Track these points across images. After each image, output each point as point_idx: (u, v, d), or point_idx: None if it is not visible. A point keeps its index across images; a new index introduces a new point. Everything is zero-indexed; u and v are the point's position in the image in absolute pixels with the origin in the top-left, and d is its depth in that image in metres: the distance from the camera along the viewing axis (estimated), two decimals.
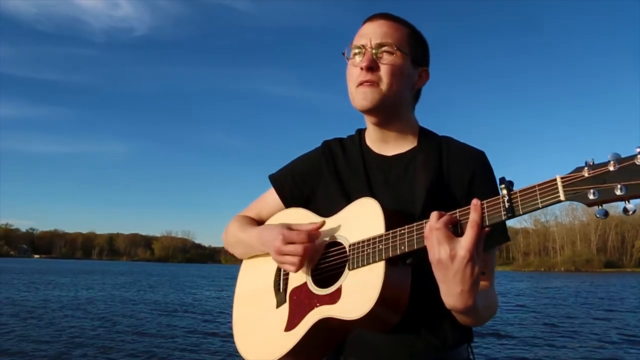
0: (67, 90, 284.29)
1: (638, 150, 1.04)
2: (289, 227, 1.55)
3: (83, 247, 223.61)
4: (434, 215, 1.26)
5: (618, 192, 1.04)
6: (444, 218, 1.25)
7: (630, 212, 1.05)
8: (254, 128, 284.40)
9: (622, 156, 1.07)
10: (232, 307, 1.77)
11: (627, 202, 1.05)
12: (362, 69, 1.50)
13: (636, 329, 14.22)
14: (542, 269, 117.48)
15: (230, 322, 1.76)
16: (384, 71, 1.50)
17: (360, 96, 1.51)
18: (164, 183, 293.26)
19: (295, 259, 1.47)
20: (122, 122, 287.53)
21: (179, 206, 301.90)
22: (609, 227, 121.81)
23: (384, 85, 1.50)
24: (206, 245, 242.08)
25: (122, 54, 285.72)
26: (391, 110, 1.55)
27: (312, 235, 1.50)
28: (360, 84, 1.51)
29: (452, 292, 1.25)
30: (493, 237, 1.45)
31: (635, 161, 1.04)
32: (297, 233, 1.49)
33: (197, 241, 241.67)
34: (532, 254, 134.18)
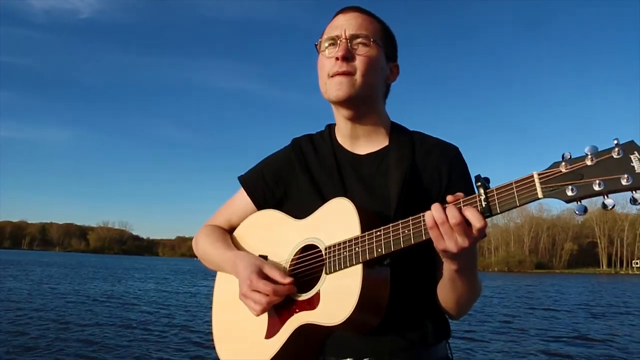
0: (6, 72, 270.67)
1: (615, 142, 1.03)
2: (260, 271, 1.49)
3: (12, 236, 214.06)
4: (439, 207, 1.21)
5: (596, 188, 1.03)
6: (457, 212, 1.19)
7: (610, 208, 1.04)
8: (204, 122, 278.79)
9: (600, 149, 1.05)
10: (210, 313, 1.74)
11: (605, 197, 1.03)
12: (337, 59, 1.47)
13: (573, 327, 14.79)
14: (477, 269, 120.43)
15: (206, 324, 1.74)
16: (359, 62, 1.48)
17: (334, 86, 1.48)
18: (104, 173, 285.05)
19: (258, 307, 1.45)
20: (66, 109, 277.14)
21: (118, 197, 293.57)
22: (541, 229, 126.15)
23: (359, 77, 1.48)
24: (144, 237, 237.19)
25: (66, 37, 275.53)
26: (365, 104, 1.53)
27: (279, 290, 1.44)
28: (335, 74, 1.48)
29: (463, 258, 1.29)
30: None
31: (613, 154, 1.03)
32: (264, 284, 1.45)
33: (135, 233, 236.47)
34: None
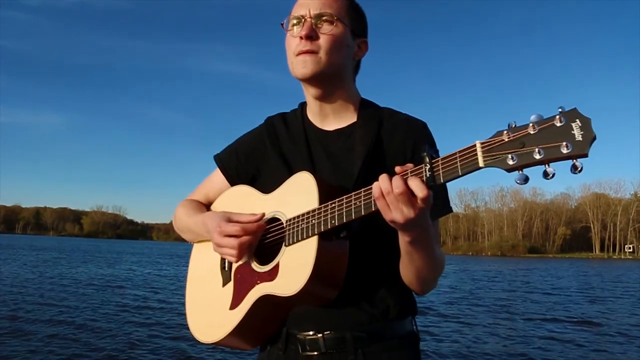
0: None
1: (559, 110, 1.01)
2: (228, 219, 1.54)
3: (6, 220, 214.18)
4: (385, 178, 1.21)
5: (537, 156, 1.00)
6: (402, 181, 1.18)
7: (550, 176, 1.01)
8: (197, 105, 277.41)
9: (545, 117, 1.03)
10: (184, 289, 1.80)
11: (547, 165, 1.01)
12: (301, 38, 1.49)
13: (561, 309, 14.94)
14: (470, 253, 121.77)
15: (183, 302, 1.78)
16: (323, 40, 1.49)
17: (299, 65, 1.50)
18: (99, 157, 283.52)
19: (233, 251, 1.48)
20: (60, 93, 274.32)
21: (112, 181, 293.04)
22: (534, 213, 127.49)
23: (323, 54, 1.49)
24: (138, 222, 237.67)
25: (58, 20, 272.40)
26: (332, 81, 1.55)
27: (248, 228, 1.48)
28: (300, 53, 1.49)
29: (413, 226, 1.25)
30: (436, 208, 1.44)
31: (555, 122, 1.01)
32: (233, 225, 1.49)
33: (129, 217, 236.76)
34: (461, 238, 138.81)
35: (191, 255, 1.81)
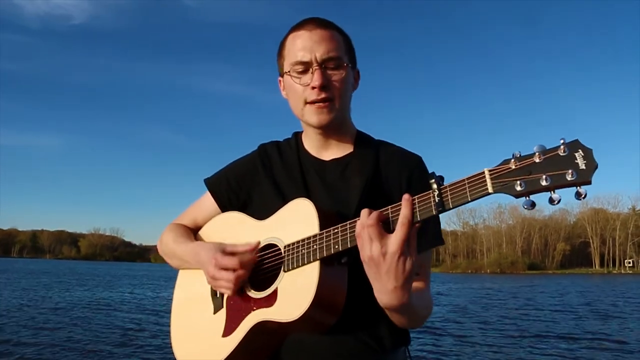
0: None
1: (562, 141, 1.08)
2: (222, 250, 1.51)
3: (2, 244, 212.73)
4: (364, 212, 1.26)
5: (543, 183, 1.06)
6: (375, 215, 1.25)
7: (556, 202, 1.07)
8: (197, 126, 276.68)
9: (547, 147, 1.09)
10: (170, 315, 1.75)
11: (552, 192, 1.07)
12: (313, 87, 1.49)
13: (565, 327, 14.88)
14: (469, 271, 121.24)
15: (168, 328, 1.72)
16: (335, 87, 1.51)
17: (315, 114, 1.52)
18: (96, 179, 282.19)
19: (230, 284, 1.46)
20: (59, 115, 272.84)
21: (110, 203, 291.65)
22: (533, 230, 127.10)
23: (337, 101, 1.52)
24: (136, 244, 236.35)
25: (59, 43, 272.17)
26: (340, 121, 1.58)
27: (245, 261, 1.47)
28: (315, 102, 1.50)
29: (385, 289, 1.25)
30: (427, 239, 1.48)
31: (559, 152, 1.07)
32: (230, 259, 1.47)
33: (126, 239, 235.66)
34: (460, 255, 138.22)
35: (177, 281, 1.77)
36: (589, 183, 1.04)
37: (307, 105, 1.52)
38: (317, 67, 1.49)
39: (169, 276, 52.75)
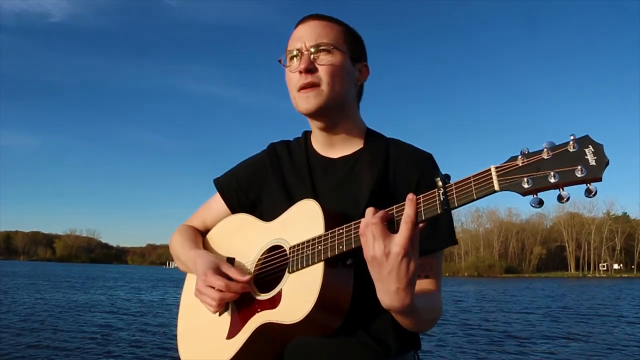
0: None
1: (571, 137, 1.05)
2: (216, 268, 1.49)
3: None
4: (369, 211, 1.24)
5: (552, 180, 1.03)
6: (380, 214, 1.22)
7: (565, 200, 1.04)
8: (175, 127, 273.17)
9: (556, 144, 1.06)
10: (176, 317, 1.76)
11: (561, 189, 1.04)
12: (300, 72, 1.48)
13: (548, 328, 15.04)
14: (447, 274, 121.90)
15: (175, 331, 1.73)
16: (323, 72, 1.49)
17: (303, 100, 1.50)
18: (73, 180, 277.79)
19: (213, 303, 1.46)
20: (35, 115, 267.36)
21: (86, 204, 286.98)
22: (510, 234, 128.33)
23: (325, 86, 1.49)
24: (113, 245, 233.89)
25: (37, 41, 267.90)
26: (337, 111, 1.54)
27: (232, 288, 1.45)
28: (302, 88, 1.49)
29: (387, 290, 1.22)
30: (441, 239, 1.46)
31: (569, 148, 1.04)
32: (218, 279, 1.45)
33: (103, 240, 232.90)
34: None
35: (185, 282, 1.78)
36: (600, 180, 1.01)
37: (297, 94, 1.51)
38: (304, 52, 1.49)
39: (146, 278, 52.29)
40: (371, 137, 1.62)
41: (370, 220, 1.21)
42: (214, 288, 1.45)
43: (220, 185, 1.74)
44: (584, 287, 52.63)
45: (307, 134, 1.70)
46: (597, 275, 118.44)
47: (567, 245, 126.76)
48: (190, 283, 1.75)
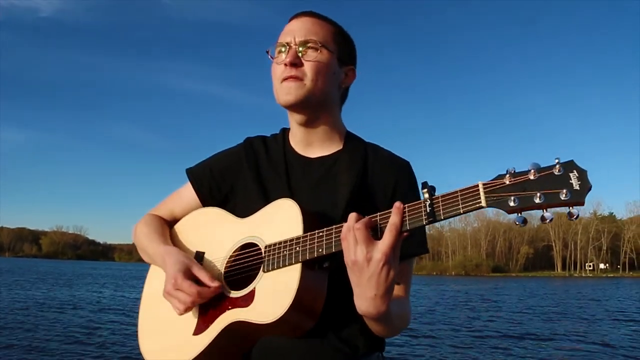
0: None
1: (557, 160, 1.09)
2: (187, 270, 1.45)
3: None
4: (352, 216, 1.24)
5: (537, 200, 1.07)
6: (364, 220, 1.23)
7: (548, 221, 1.08)
8: (165, 125, 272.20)
9: (542, 166, 1.10)
10: (138, 309, 1.68)
11: (545, 210, 1.08)
12: (286, 65, 1.48)
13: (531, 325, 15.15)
14: (435, 273, 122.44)
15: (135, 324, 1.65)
16: (308, 67, 1.48)
17: (284, 91, 1.49)
18: (61, 176, 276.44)
19: (181, 306, 1.42)
20: (23, 110, 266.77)
21: (73, 200, 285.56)
22: (498, 233, 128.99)
23: (308, 81, 1.48)
24: (100, 242, 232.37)
25: (25, 36, 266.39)
26: (317, 108, 1.53)
27: (202, 293, 1.41)
28: (285, 79, 1.48)
29: (365, 296, 1.23)
30: (412, 247, 1.46)
31: (554, 171, 1.08)
32: (189, 285, 1.41)
33: (90, 237, 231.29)
34: (426, 257, 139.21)
35: (148, 273, 1.71)
36: (582, 204, 1.05)
37: (279, 85, 1.51)
38: (292, 46, 1.50)
39: (132, 275, 51.98)
40: (350, 139, 1.62)
41: (353, 225, 1.22)
42: (183, 292, 1.42)
43: (193, 175, 1.68)
44: (570, 286, 53.08)
45: (284, 131, 1.68)
46: (583, 274, 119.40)
47: (554, 244, 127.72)
48: (155, 274, 1.67)
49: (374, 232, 1.24)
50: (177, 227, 1.71)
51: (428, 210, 1.18)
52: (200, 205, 1.68)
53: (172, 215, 1.73)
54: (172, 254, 1.52)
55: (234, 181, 1.64)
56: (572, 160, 1.08)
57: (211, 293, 1.43)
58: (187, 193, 1.69)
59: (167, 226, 1.71)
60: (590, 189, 1.05)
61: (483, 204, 1.12)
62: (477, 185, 1.14)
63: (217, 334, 1.40)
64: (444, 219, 1.18)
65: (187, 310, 1.43)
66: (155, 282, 1.65)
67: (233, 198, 1.64)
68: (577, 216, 1.05)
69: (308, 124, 1.56)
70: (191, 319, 1.48)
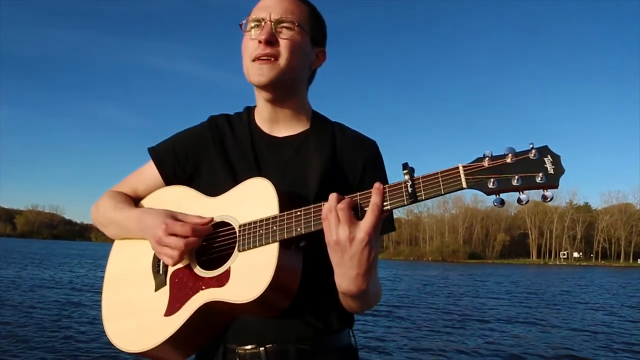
0: None
1: (531, 145, 1.14)
2: (173, 216, 1.45)
3: None
4: (333, 196, 1.25)
5: (515, 183, 1.12)
6: (347, 200, 1.25)
7: (524, 202, 1.13)
8: (142, 103, 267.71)
9: (517, 150, 1.15)
10: (101, 291, 1.61)
11: (521, 192, 1.13)
12: (260, 42, 1.45)
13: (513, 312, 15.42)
14: (412, 258, 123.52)
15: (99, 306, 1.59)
16: (283, 46, 1.46)
17: (256, 71, 1.46)
18: (35, 154, 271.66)
19: (175, 253, 1.39)
20: None
21: (50, 179, 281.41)
22: (475, 220, 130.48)
23: (282, 60, 1.46)
24: (77, 222, 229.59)
25: (2, 11, 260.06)
26: (287, 88, 1.52)
27: (197, 230, 1.41)
28: (258, 58, 1.46)
29: (347, 275, 1.25)
30: (383, 225, 1.46)
31: (530, 155, 1.13)
32: (182, 225, 1.40)
33: (67, 217, 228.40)
34: (403, 243, 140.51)
35: (112, 251, 1.65)
36: (556, 187, 1.11)
37: (251, 63, 1.48)
38: (267, 23, 1.47)
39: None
40: (317, 119, 1.62)
41: (336, 206, 1.23)
42: (176, 236, 1.40)
43: (156, 154, 1.63)
44: (545, 274, 54.00)
45: (249, 110, 1.66)
46: (557, 263, 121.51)
47: (530, 232, 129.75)
48: (119, 252, 1.63)
49: (355, 212, 1.25)
50: (143, 204, 1.66)
51: (410, 191, 1.21)
52: (164, 185, 1.64)
53: (135, 192, 1.68)
54: (151, 211, 1.51)
55: (199, 161, 1.61)
56: (546, 146, 1.14)
57: (206, 230, 1.43)
58: (150, 172, 1.65)
59: (133, 201, 1.67)
60: (563, 172, 1.11)
61: (464, 185, 1.16)
62: (458, 167, 1.18)
63: (190, 314, 1.38)
64: (425, 199, 1.20)
65: (180, 257, 1.40)
66: (120, 261, 1.61)
67: (198, 178, 1.61)
68: (551, 198, 1.11)
69: (276, 102, 1.55)
70: (161, 299, 1.45)
